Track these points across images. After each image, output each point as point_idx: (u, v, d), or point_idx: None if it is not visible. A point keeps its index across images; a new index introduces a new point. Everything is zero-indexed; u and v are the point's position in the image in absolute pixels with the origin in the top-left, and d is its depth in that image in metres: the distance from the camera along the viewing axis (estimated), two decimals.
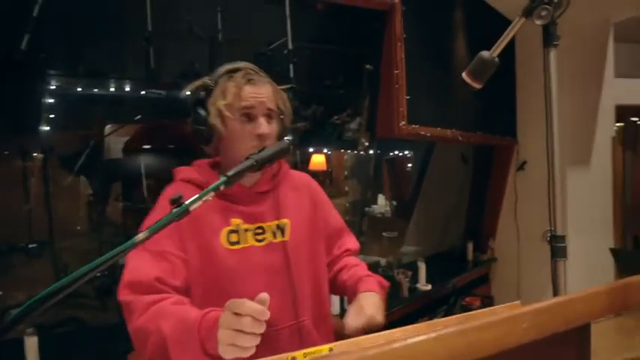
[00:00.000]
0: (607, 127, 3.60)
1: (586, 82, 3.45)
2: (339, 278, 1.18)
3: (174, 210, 0.60)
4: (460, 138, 2.63)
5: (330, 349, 0.74)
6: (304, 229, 1.11)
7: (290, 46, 2.80)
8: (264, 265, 1.02)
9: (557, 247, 1.22)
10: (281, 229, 1.06)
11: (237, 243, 1.00)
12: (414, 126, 2.24)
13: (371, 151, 3.78)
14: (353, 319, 0.97)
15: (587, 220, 3.17)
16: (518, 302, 1.02)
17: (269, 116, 1.03)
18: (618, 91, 3.67)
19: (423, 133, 2.31)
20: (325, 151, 3.56)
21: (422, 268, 2.69)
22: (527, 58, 3.45)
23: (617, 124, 3.83)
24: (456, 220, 3.85)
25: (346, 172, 3.90)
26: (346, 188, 3.91)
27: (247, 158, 0.76)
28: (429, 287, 2.65)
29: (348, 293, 1.13)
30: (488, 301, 3.00)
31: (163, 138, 2.89)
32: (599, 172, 3.48)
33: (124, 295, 0.90)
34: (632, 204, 3.81)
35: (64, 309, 2.22)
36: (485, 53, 1.23)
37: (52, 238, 2.25)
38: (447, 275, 2.97)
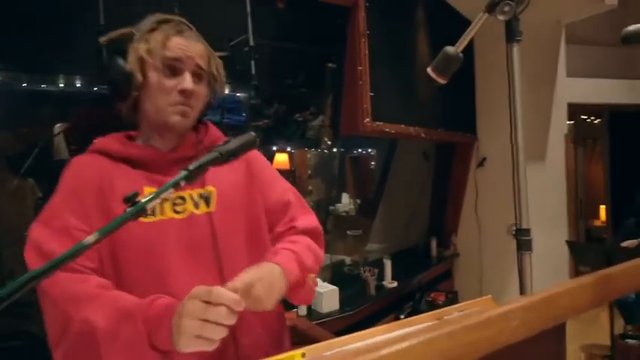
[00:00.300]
0: (560, 124, 3.74)
1: (540, 81, 3.57)
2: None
3: (129, 209, 0.53)
4: (423, 135, 2.65)
5: (303, 355, 0.70)
6: (236, 199, 0.96)
7: (251, 42, 2.74)
8: (186, 241, 0.87)
9: (522, 241, 1.21)
10: (205, 198, 0.92)
11: (152, 215, 0.86)
12: (378, 123, 2.23)
13: (334, 150, 3.77)
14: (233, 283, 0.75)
15: (544, 215, 3.28)
16: (489, 297, 1.01)
17: (198, 76, 0.92)
18: (570, 89, 3.83)
19: (387, 130, 2.30)
20: (288, 149, 3.51)
21: (387, 265, 2.69)
22: (485, 56, 3.53)
23: (569, 122, 4.00)
24: (419, 216, 3.90)
25: (310, 171, 3.87)
26: (310, 187, 3.88)
27: (212, 150, 0.68)
28: (395, 284, 2.65)
29: None
30: (453, 296, 3.05)
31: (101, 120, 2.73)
32: (553, 168, 3.62)
33: (29, 251, 0.78)
34: (585, 199, 4.01)
35: (9, 321, 2.06)
36: (449, 48, 1.22)
37: None
38: (412, 272, 2.99)
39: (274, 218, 1.02)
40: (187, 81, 0.89)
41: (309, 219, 1.04)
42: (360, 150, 4.22)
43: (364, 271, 2.51)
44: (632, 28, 1.12)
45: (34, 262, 0.78)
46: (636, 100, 4.31)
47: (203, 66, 0.93)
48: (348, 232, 3.95)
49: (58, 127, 2.61)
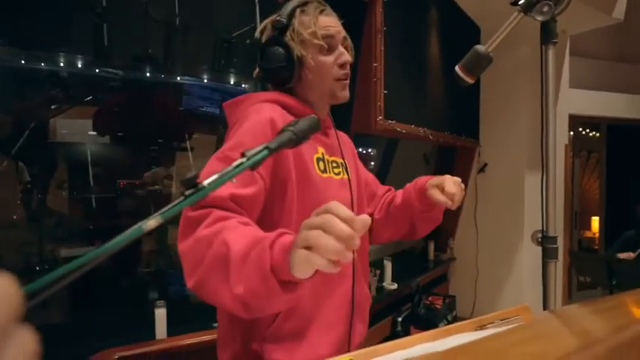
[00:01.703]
0: (561, 135, 3.76)
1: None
2: (394, 205, 1.13)
3: (188, 192, 0.47)
4: (431, 137, 2.62)
5: None
6: (354, 172, 1.09)
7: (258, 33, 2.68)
8: (339, 199, 0.88)
9: (548, 248, 1.18)
10: (344, 166, 1.04)
11: (325, 172, 0.96)
12: (390, 121, 2.19)
13: None
14: (450, 185, 0.96)
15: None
16: (526, 305, 0.97)
17: (345, 46, 1.00)
18: (572, 101, 3.85)
19: (398, 129, 2.26)
20: None
21: (388, 267, 2.66)
22: (493, 61, 3.52)
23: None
24: None
25: None
26: None
27: (282, 130, 0.63)
28: (395, 286, 2.62)
29: (409, 202, 1.08)
30: (450, 301, 3.03)
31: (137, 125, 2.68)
32: (553, 178, 3.62)
33: (189, 211, 0.77)
34: (579, 210, 4.03)
35: None
36: (480, 47, 1.17)
37: None
38: (410, 274, 2.97)
39: (373, 186, 1.20)
40: (345, 54, 0.97)
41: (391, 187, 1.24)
42: (360, 149, 4.18)
43: None
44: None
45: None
46: (635, 114, 4.36)
47: (346, 36, 1.00)
48: None
49: (54, 107, 2.53)
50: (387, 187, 1.22)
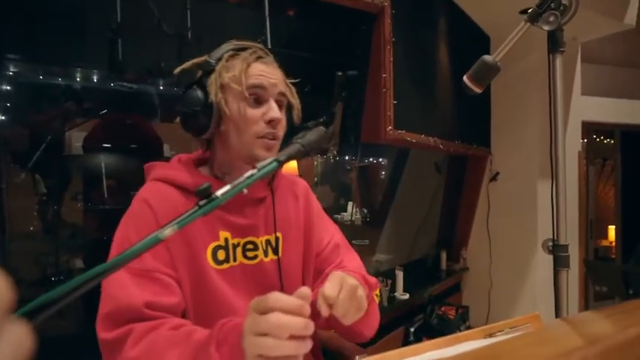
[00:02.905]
0: (574, 142, 3.72)
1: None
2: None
3: (202, 203, 0.49)
4: (441, 146, 2.62)
5: None
6: (298, 246, 0.96)
7: (269, 45, 2.72)
8: (255, 287, 0.85)
9: (559, 257, 1.17)
10: (271, 245, 0.91)
11: (226, 261, 0.84)
12: (400, 131, 2.20)
13: (346, 158, 3.74)
14: (330, 287, 0.72)
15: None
16: (537, 313, 0.97)
17: (279, 104, 0.87)
18: (584, 108, 3.82)
19: (408, 139, 2.27)
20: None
21: (399, 276, 2.64)
22: (503, 71, 3.51)
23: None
24: (428, 228, 3.85)
25: (316, 179, 3.84)
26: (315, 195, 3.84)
27: (293, 143, 0.63)
28: (406, 296, 2.60)
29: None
30: (464, 311, 2.99)
31: (125, 134, 2.71)
32: (567, 187, 3.58)
33: (104, 331, 0.71)
34: (594, 217, 3.97)
35: None
36: (488, 57, 1.19)
37: (2, 239, 2.04)
38: (422, 284, 2.94)
39: (325, 260, 1.00)
40: (275, 110, 0.85)
41: (356, 260, 1.03)
42: (370, 159, 4.19)
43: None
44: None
45: (113, 302, 0.73)
46: None
47: (285, 93, 0.89)
48: (353, 241, 3.91)
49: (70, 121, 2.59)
50: (340, 266, 0.99)
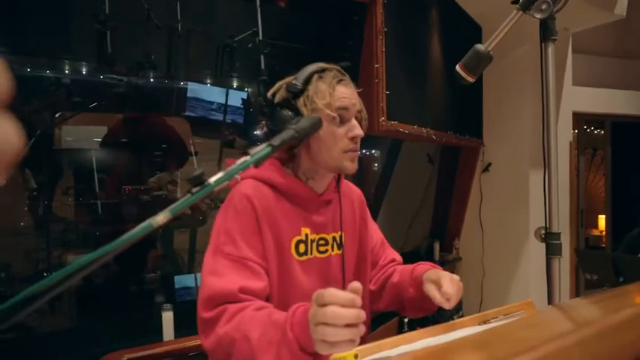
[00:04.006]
0: (565, 132, 3.75)
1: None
2: (390, 282, 1.11)
3: (195, 190, 0.49)
4: (434, 137, 2.63)
5: (356, 356, 0.66)
6: (355, 242, 1.09)
7: (260, 36, 2.70)
8: (325, 278, 1.00)
9: (551, 245, 1.17)
10: (337, 242, 1.04)
11: (305, 254, 0.98)
12: (393, 122, 2.19)
13: None
14: (448, 285, 0.90)
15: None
16: (530, 300, 0.98)
17: (358, 119, 0.99)
18: (575, 98, 3.84)
19: (401, 130, 2.27)
20: None
21: None
22: (494, 61, 3.52)
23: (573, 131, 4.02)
24: (421, 219, 3.87)
25: None
26: None
27: (287, 129, 0.65)
28: None
29: (403, 286, 1.05)
30: None
31: (147, 132, 2.71)
32: (558, 176, 3.62)
33: (205, 311, 0.83)
34: (585, 207, 4.02)
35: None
36: (480, 46, 1.18)
37: None
38: None
39: (376, 254, 1.17)
40: (357, 127, 0.96)
41: (397, 254, 1.22)
42: (363, 151, 4.18)
43: None
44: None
45: (213, 286, 0.84)
46: (638, 111, 4.34)
47: (361, 110, 1.00)
48: None
49: (59, 115, 2.56)
50: (391, 257, 1.19)
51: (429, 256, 3.50)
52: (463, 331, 0.80)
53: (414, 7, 2.59)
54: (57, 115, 2.53)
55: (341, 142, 0.95)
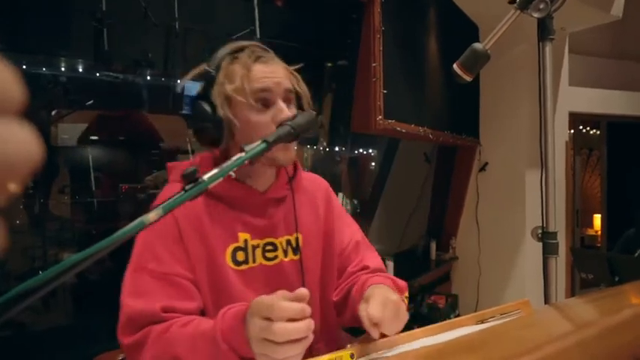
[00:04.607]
0: (561, 132, 3.76)
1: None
2: (351, 294, 0.93)
3: (188, 187, 0.48)
4: (431, 136, 2.63)
5: (352, 355, 0.66)
6: (318, 245, 0.95)
7: (258, 35, 2.69)
8: (275, 288, 0.85)
9: (548, 244, 1.18)
10: (292, 245, 0.91)
11: (245, 262, 0.85)
12: (390, 121, 2.20)
13: (336, 149, 3.73)
14: (375, 308, 0.73)
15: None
16: (527, 300, 0.98)
17: (288, 100, 0.85)
18: (572, 99, 3.85)
19: (398, 129, 2.27)
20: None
21: (390, 266, 2.66)
22: (491, 61, 3.53)
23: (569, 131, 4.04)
24: (417, 219, 3.88)
25: (306, 170, 3.82)
26: None
27: (283, 125, 0.63)
28: None
29: (355, 301, 0.89)
30: (453, 300, 3.03)
31: (126, 129, 2.69)
32: (552, 173, 3.63)
33: (125, 337, 0.74)
34: (581, 207, 4.04)
35: None
36: (477, 45, 1.18)
37: None
38: (412, 274, 2.96)
39: (347, 258, 1.00)
40: (284, 110, 0.81)
41: (377, 259, 1.04)
42: (360, 150, 4.19)
43: None
44: None
45: (133, 307, 0.75)
46: (634, 111, 4.36)
47: (290, 88, 0.86)
48: None
49: (55, 112, 2.54)
50: (364, 263, 0.99)
51: (425, 256, 3.51)
52: (460, 330, 0.80)
53: (411, 6, 2.59)
54: (53, 112, 2.52)
55: (267, 130, 0.79)
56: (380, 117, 2.14)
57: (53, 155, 2.55)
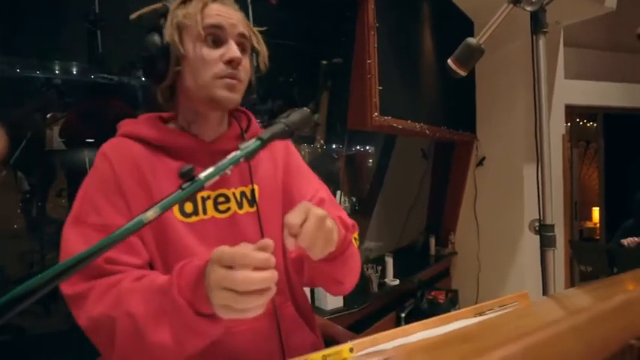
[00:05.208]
0: (558, 125, 3.77)
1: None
2: None
3: (185, 185, 0.48)
4: (427, 132, 2.63)
5: (351, 349, 0.65)
6: (275, 198, 0.91)
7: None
8: (228, 242, 0.78)
9: (545, 237, 1.18)
10: (247, 197, 0.87)
11: (194, 214, 0.81)
12: (386, 118, 2.20)
13: (333, 146, 3.73)
14: (294, 216, 0.67)
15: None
16: (525, 292, 0.98)
17: (241, 46, 0.83)
18: (568, 91, 3.86)
19: (394, 125, 2.27)
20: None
21: (389, 263, 2.66)
22: (487, 55, 3.53)
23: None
24: (416, 215, 3.88)
25: None
26: None
27: (277, 122, 0.62)
28: (397, 282, 2.62)
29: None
30: (453, 295, 3.03)
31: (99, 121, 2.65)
32: (551, 169, 3.64)
33: (67, 286, 0.70)
34: (579, 200, 4.05)
35: None
36: (471, 40, 1.18)
37: None
38: (412, 270, 2.97)
39: None
40: (233, 49, 0.80)
41: (344, 217, 0.96)
42: (357, 147, 4.19)
43: (367, 269, 2.47)
44: None
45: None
46: (630, 103, 4.37)
47: (246, 34, 0.84)
48: None
49: (50, 116, 2.54)
50: None
51: (424, 251, 3.51)
52: (458, 323, 0.80)
53: (405, 2, 2.59)
54: (48, 115, 2.52)
55: (214, 66, 0.80)
56: (376, 114, 2.13)
57: (49, 158, 2.55)
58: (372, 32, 2.15)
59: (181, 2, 0.82)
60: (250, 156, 0.55)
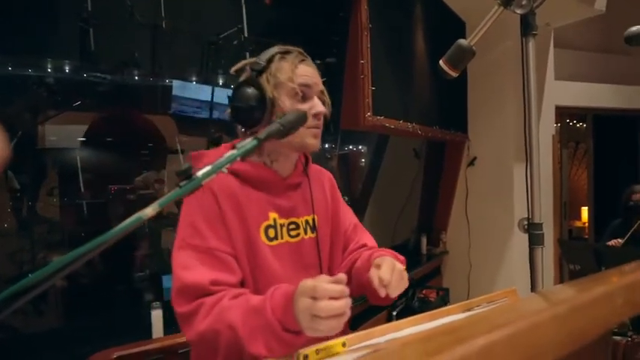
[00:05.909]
0: (548, 126, 3.81)
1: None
2: (354, 267, 1.07)
3: (183, 183, 0.49)
4: (420, 132, 2.65)
5: (343, 344, 0.67)
6: (328, 225, 1.10)
7: (246, 33, 2.69)
8: (298, 263, 1.00)
9: (534, 235, 1.20)
10: (310, 225, 1.04)
11: (275, 239, 0.97)
12: (379, 117, 2.21)
13: (326, 146, 3.74)
14: (385, 271, 0.87)
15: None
16: (514, 288, 1.00)
17: (321, 99, 1.00)
18: (558, 92, 3.91)
19: (387, 125, 2.29)
20: None
21: None
22: (478, 56, 3.56)
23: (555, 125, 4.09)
24: (408, 214, 3.91)
25: None
26: None
27: (273, 123, 0.67)
28: None
29: (361, 271, 1.01)
30: (444, 294, 3.06)
31: (128, 130, 2.68)
32: (541, 169, 3.68)
33: (179, 306, 0.85)
34: (568, 199, 4.10)
35: None
36: (463, 41, 1.19)
37: None
38: None
39: (349, 238, 1.15)
40: (319, 105, 0.97)
41: (372, 239, 1.18)
42: (350, 147, 4.20)
43: None
44: (634, 29, 1.13)
45: (184, 280, 0.85)
46: (619, 104, 4.43)
47: (324, 91, 1.01)
48: None
49: (42, 114, 2.52)
50: (363, 241, 1.15)
51: (416, 250, 3.54)
52: (447, 318, 0.82)
53: (398, 3, 2.61)
54: (40, 114, 2.50)
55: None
56: (369, 113, 2.15)
57: (41, 157, 2.53)
58: (365, 33, 2.17)
59: (274, 61, 0.97)
60: (246, 155, 0.56)
